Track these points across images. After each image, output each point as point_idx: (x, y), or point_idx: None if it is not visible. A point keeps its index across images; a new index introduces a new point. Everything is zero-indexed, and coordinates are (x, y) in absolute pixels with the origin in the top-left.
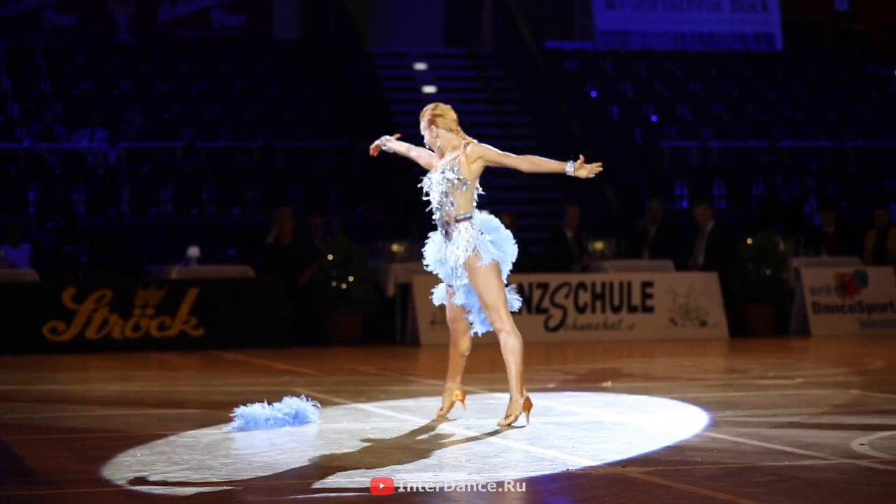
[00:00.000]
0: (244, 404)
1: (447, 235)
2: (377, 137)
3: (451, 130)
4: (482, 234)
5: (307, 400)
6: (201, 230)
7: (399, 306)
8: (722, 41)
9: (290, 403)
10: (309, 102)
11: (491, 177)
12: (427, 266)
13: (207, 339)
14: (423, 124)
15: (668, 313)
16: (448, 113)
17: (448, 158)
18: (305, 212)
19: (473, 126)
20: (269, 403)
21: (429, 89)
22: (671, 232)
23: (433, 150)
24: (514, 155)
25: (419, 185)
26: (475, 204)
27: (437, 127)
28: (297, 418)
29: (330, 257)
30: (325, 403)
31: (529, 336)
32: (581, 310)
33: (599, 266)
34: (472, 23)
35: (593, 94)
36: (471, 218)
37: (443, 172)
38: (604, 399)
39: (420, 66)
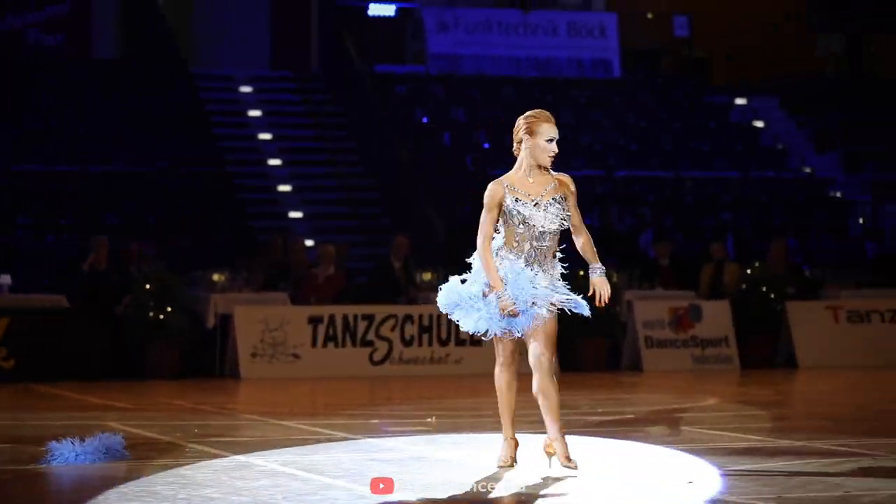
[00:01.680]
0: (55, 439)
1: (541, 269)
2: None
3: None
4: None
5: (119, 435)
6: (13, 257)
7: (219, 338)
8: (558, 67)
9: (103, 439)
10: (129, 125)
11: (319, 205)
12: (522, 305)
13: (18, 371)
14: (519, 135)
15: None
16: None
17: (551, 188)
18: (123, 239)
19: (299, 151)
20: (81, 439)
21: (254, 112)
22: None
23: (525, 167)
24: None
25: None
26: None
27: (532, 137)
28: (109, 454)
29: (147, 286)
30: (138, 438)
31: (354, 370)
32: (407, 343)
33: (427, 298)
34: (300, 45)
35: (424, 119)
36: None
37: (556, 205)
38: (427, 435)
39: (245, 88)
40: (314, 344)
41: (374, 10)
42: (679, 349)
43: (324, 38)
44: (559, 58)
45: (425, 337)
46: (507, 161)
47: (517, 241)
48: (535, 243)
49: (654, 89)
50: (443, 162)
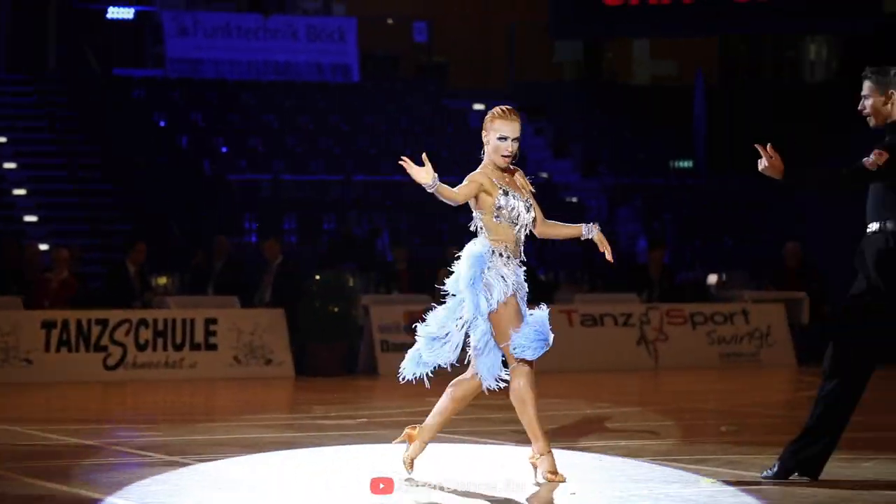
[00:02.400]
0: None
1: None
2: None
3: None
4: None
5: None
6: None
7: None
8: (298, 71)
9: None
10: None
11: (54, 209)
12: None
13: None
14: (483, 131)
15: (232, 351)
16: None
17: (518, 176)
18: None
19: (35, 155)
20: None
21: None
22: (238, 267)
23: (490, 163)
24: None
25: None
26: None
27: (486, 133)
28: None
29: None
30: None
31: (88, 375)
32: (142, 347)
33: (162, 302)
34: (37, 48)
35: (161, 123)
36: None
37: (529, 200)
38: (160, 440)
39: None
40: (47, 349)
41: (113, 13)
42: None
43: (61, 39)
44: (299, 62)
45: (160, 341)
46: (242, 166)
47: (511, 239)
48: (523, 239)
49: (393, 94)
50: (180, 166)
